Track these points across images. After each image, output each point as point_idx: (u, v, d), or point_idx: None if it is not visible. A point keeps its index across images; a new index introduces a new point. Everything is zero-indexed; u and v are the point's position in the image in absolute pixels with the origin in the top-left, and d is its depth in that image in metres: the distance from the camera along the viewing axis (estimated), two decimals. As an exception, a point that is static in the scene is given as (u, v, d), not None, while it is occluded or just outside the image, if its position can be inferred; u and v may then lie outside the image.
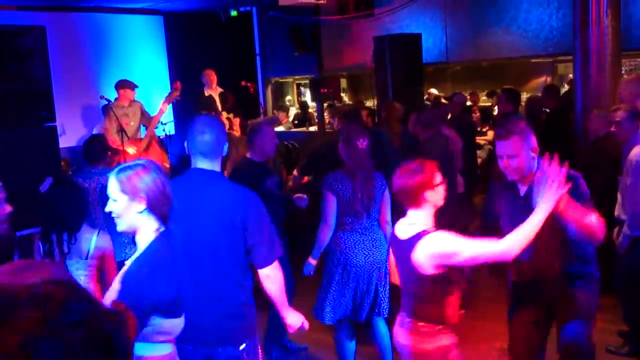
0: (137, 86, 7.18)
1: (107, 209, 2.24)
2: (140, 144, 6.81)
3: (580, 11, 5.62)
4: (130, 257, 4.41)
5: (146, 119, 7.13)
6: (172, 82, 10.20)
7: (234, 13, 10.30)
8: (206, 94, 7.82)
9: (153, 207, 2.17)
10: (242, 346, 2.68)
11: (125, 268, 2.20)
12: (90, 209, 4.38)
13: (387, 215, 3.96)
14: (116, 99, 7.02)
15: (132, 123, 7.01)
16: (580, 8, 5.60)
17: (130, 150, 6.65)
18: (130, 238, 4.42)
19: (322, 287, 3.92)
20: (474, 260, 2.55)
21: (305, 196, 4.46)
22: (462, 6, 8.99)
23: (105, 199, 4.39)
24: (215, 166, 2.76)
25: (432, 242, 2.57)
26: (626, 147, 4.11)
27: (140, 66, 9.50)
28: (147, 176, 2.17)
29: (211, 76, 7.92)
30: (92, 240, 3.32)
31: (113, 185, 2.19)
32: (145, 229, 2.20)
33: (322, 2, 7.17)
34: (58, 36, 7.89)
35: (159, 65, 10.09)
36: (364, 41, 9.39)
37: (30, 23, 6.32)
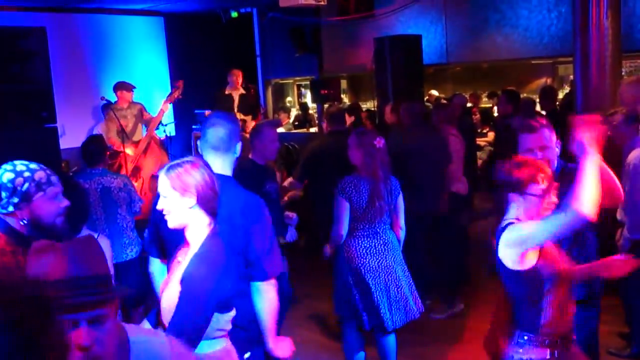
0: (135, 87, 7.18)
1: (158, 207, 2.26)
2: (139, 145, 6.80)
3: (580, 13, 5.62)
4: (130, 258, 4.43)
5: (147, 120, 7.13)
6: (172, 83, 10.21)
7: (234, 14, 10.32)
8: (226, 93, 7.83)
9: (203, 202, 2.20)
10: (247, 355, 2.61)
11: (182, 268, 2.19)
12: (91, 210, 4.39)
13: (401, 219, 3.93)
14: (116, 101, 7.03)
15: (130, 124, 7.02)
16: (580, 10, 5.61)
17: (130, 151, 6.65)
18: (130, 239, 4.46)
19: (342, 296, 3.83)
20: (552, 235, 2.35)
21: (294, 215, 4.29)
22: (462, 7, 9.00)
23: (105, 199, 4.44)
24: (227, 164, 2.68)
25: (508, 231, 2.43)
26: (625, 150, 4.10)
27: (141, 67, 9.51)
28: (196, 172, 2.20)
29: (235, 76, 7.95)
30: None
31: (163, 182, 2.21)
32: (196, 225, 2.22)
33: (322, 3, 7.17)
34: (59, 37, 7.90)
35: (160, 67, 10.10)
36: (364, 42, 9.39)
37: (30, 24, 6.33)
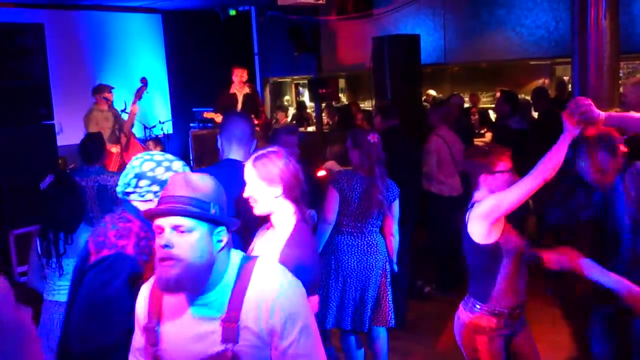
0: (113, 87, 7.11)
1: (245, 195, 2.34)
2: (120, 143, 6.83)
3: (578, 13, 5.63)
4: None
5: (119, 122, 7.06)
6: (170, 80, 10.23)
7: (232, 12, 10.31)
8: (231, 92, 7.75)
9: (288, 191, 2.30)
10: None
11: (271, 251, 2.27)
12: (88, 208, 4.39)
13: (393, 227, 3.88)
14: (95, 103, 6.95)
15: (111, 126, 6.97)
16: (579, 10, 5.62)
17: (114, 149, 6.70)
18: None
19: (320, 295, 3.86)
20: (518, 199, 2.63)
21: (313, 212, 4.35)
22: (461, 7, 9.00)
23: (102, 197, 4.44)
24: (246, 158, 2.71)
25: (477, 206, 2.74)
26: None
27: (139, 64, 9.50)
28: (281, 162, 2.31)
29: (236, 75, 7.80)
30: None
31: (250, 173, 2.31)
32: (282, 213, 2.32)
33: (321, 2, 7.17)
34: (57, 34, 7.89)
35: (157, 64, 10.09)
36: (362, 41, 9.39)
37: (29, 21, 6.31)
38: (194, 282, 1.66)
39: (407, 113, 6.23)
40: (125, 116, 7.08)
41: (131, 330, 1.86)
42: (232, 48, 10.44)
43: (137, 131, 7.34)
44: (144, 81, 7.29)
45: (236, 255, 1.77)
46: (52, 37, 6.22)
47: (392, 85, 7.54)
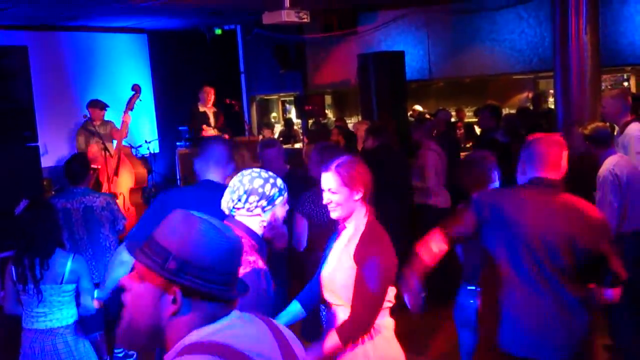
0: (108, 106, 7.10)
1: (325, 201, 2.53)
2: (110, 164, 6.73)
3: (559, 28, 5.71)
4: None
5: (115, 133, 7.07)
6: (155, 99, 10.20)
7: (218, 31, 10.35)
8: (200, 110, 7.81)
9: (366, 194, 2.50)
10: None
11: (348, 250, 2.47)
12: (74, 230, 4.34)
13: None
14: (89, 117, 6.95)
15: (102, 143, 6.94)
16: (560, 25, 5.70)
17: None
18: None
19: None
20: None
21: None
22: (444, 24, 9.10)
23: (87, 219, 4.39)
24: (222, 181, 2.95)
25: None
26: (601, 163, 4.18)
27: (124, 85, 9.46)
28: (360, 167, 2.52)
29: (210, 94, 7.93)
30: (67, 265, 3.28)
31: (332, 179, 2.50)
32: (358, 214, 2.52)
33: (305, 20, 7.22)
34: (41, 56, 7.86)
35: (143, 84, 10.02)
36: (348, 58, 9.46)
37: (12, 43, 6.29)
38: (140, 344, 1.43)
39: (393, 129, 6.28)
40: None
41: None
42: (218, 67, 10.46)
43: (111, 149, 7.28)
44: (137, 88, 7.22)
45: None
46: (36, 59, 6.20)
47: (377, 101, 7.59)
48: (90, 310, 3.40)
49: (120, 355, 4.73)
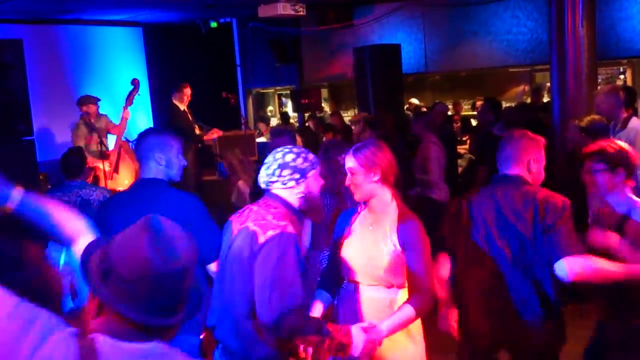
0: (99, 99, 7.03)
1: (347, 183, 2.66)
2: (110, 157, 6.68)
3: (555, 21, 5.71)
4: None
5: (113, 129, 7.00)
6: (151, 94, 10.17)
7: (213, 24, 10.31)
8: (181, 109, 7.61)
9: (385, 177, 2.61)
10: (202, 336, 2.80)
11: (376, 230, 2.62)
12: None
13: None
14: (82, 115, 6.87)
15: (99, 137, 6.89)
16: (556, 19, 5.70)
17: (100, 165, 6.52)
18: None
19: None
20: None
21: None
22: (441, 17, 9.09)
23: (84, 212, 4.38)
24: (160, 173, 2.87)
25: None
26: None
27: (119, 78, 9.44)
28: (380, 152, 2.63)
29: (188, 93, 7.64)
30: (61, 258, 3.27)
31: (351, 162, 2.63)
32: (382, 197, 2.65)
33: (301, 13, 7.20)
34: (36, 49, 7.83)
35: (138, 77, 10.00)
36: (344, 52, 9.45)
37: (7, 36, 6.26)
38: None
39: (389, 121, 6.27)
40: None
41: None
42: (214, 60, 10.43)
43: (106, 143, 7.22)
44: (136, 82, 7.12)
45: None
46: (32, 53, 6.17)
47: (374, 94, 7.59)
48: (83, 303, 3.40)
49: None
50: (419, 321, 2.62)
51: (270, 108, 12.40)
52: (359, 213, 2.74)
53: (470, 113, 10.15)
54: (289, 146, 2.57)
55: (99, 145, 6.54)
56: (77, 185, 4.39)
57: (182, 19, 9.97)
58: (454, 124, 9.14)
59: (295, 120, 11.11)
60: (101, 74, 9.14)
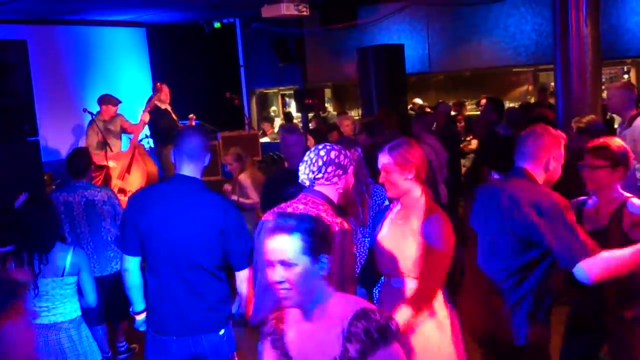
0: (120, 102, 7.06)
1: (381, 180, 2.71)
2: (122, 160, 6.68)
3: (560, 21, 5.69)
4: (115, 271, 4.37)
5: (128, 129, 7.02)
6: (154, 94, 10.16)
7: (217, 25, 10.32)
8: (162, 108, 7.54)
9: (418, 174, 2.67)
10: (222, 332, 2.91)
11: (408, 226, 2.66)
12: (75, 224, 4.35)
13: None
14: (98, 112, 6.93)
15: (112, 137, 6.91)
16: (560, 18, 5.68)
17: (111, 164, 6.53)
18: (115, 252, 4.41)
19: None
20: None
21: None
22: (444, 17, 9.08)
23: (89, 212, 4.39)
24: (198, 172, 2.95)
25: None
26: None
27: (123, 78, 9.46)
28: (413, 150, 2.69)
29: (167, 91, 7.55)
30: (67, 258, 3.28)
31: (386, 160, 2.68)
32: (413, 193, 2.69)
33: (304, 13, 7.20)
34: (40, 50, 7.84)
35: (142, 77, 10.05)
36: (347, 52, 9.44)
37: (11, 37, 6.27)
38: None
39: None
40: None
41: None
42: (217, 60, 10.44)
43: (123, 144, 7.26)
44: (159, 87, 7.09)
45: None
46: (36, 53, 6.17)
47: (377, 94, 7.58)
48: (90, 303, 3.41)
49: (123, 349, 4.74)
50: (445, 309, 2.65)
51: (273, 108, 12.40)
52: (391, 209, 2.81)
53: (475, 113, 10.14)
54: (327, 144, 2.62)
55: (105, 146, 6.56)
56: (83, 185, 4.40)
57: (186, 20, 9.99)
58: (458, 124, 9.12)
59: (299, 120, 11.10)
60: (105, 74, 9.15)
